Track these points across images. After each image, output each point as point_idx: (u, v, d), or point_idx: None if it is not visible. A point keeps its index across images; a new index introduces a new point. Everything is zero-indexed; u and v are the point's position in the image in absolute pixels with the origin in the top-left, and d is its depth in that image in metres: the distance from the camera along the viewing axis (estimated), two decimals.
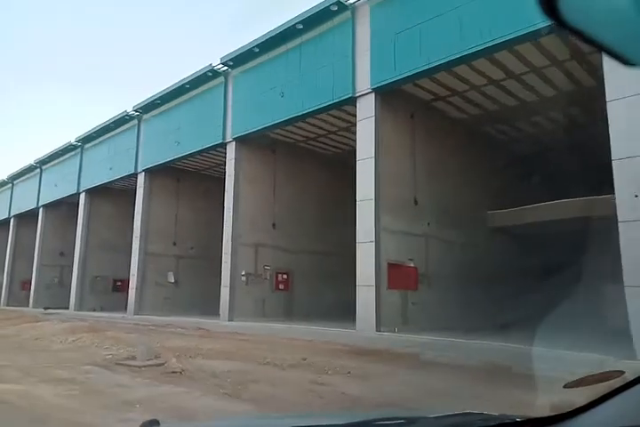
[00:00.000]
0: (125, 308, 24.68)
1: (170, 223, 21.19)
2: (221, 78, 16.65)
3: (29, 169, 30.72)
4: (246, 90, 15.82)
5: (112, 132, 22.64)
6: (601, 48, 0.85)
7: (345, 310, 16.52)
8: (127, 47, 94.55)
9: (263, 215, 16.57)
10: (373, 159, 11.66)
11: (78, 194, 25.24)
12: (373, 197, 11.50)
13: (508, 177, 15.43)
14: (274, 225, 16.83)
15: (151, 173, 20.63)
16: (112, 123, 22.07)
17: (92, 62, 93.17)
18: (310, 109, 13.73)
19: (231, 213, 15.73)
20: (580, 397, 1.30)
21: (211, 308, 20.38)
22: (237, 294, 15.36)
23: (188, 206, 21.70)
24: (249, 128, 15.63)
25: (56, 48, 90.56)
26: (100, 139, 23.59)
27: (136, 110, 20.60)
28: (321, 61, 13.21)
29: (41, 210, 29.38)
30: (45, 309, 26.17)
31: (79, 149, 25.46)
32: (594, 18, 0.82)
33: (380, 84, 11.78)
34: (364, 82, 12.07)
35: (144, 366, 6.33)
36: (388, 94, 12.17)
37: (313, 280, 17.24)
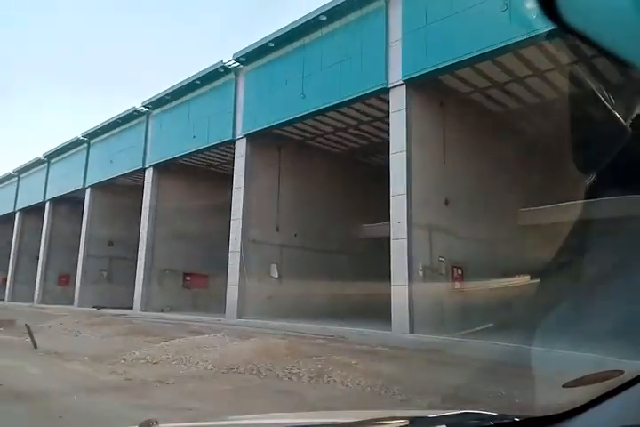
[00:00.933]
0: (197, 308, 20.54)
1: (271, 204, 16.89)
2: (381, 1, 12.34)
3: (74, 144, 26.43)
4: (429, 9, 11.46)
5: (194, 93, 18.33)
6: (601, 50, 0.83)
7: (535, 323, 12.24)
8: (123, 47, 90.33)
9: (435, 188, 12.26)
10: None
11: (143, 170, 20.97)
12: None
13: None
14: (446, 202, 12.51)
15: (252, 139, 16.32)
16: (197, 79, 17.75)
17: (85, 62, 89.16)
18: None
19: (404, 185, 11.41)
20: (579, 396, 1.22)
21: (324, 311, 16.19)
22: (415, 296, 11.04)
23: (289, 183, 17.40)
24: (430, 66, 11.31)
25: (51, 49, 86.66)
26: (176, 102, 19.28)
27: (237, 60, 16.27)
28: None
29: (88, 192, 25.11)
30: (98, 308, 21.96)
31: (144, 117, 21.16)
32: (594, 20, 0.81)
33: None
34: None
35: None
36: None
37: (486, 278, 12.91)
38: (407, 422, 1.45)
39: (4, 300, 32.55)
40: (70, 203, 28.77)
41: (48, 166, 29.75)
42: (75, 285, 28.44)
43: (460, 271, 12.59)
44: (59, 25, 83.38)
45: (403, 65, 11.73)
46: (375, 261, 19.61)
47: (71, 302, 26.69)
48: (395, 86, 11.91)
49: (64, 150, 27.63)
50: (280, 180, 17.18)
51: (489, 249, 13.24)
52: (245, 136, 16.16)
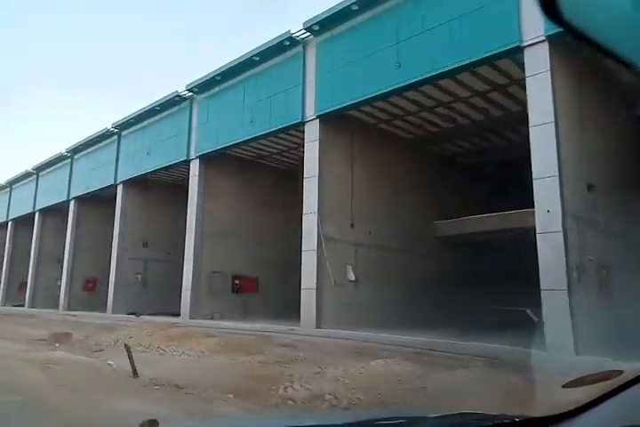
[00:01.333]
0: (248, 314, 18.38)
1: (345, 196, 14.72)
2: None
3: (102, 137, 24.32)
4: None
5: (251, 72, 16.19)
6: (601, 49, 0.83)
7: None
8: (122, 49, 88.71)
9: (578, 169, 10.06)
10: None
11: (187, 162, 18.84)
12: None
13: None
14: (589, 187, 10.29)
15: (325, 121, 14.18)
16: (255, 55, 15.61)
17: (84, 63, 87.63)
18: None
19: (555, 163, 9.22)
20: (579, 396, 1.21)
21: (410, 320, 13.97)
22: (575, 305, 8.80)
23: (361, 173, 15.23)
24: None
25: (54, 50, 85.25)
26: (227, 84, 17.16)
27: (308, 29, 14.13)
28: None
29: (120, 188, 22.97)
30: (137, 315, 19.82)
31: (187, 103, 19.04)
32: (594, 19, 0.80)
33: None
34: None
35: None
36: None
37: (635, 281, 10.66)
38: (407, 422, 1.45)
39: (23, 306, 30.50)
40: (96, 201, 26.73)
41: (71, 162, 27.69)
42: (100, 290, 26.47)
43: (604, 273, 10.35)
44: (55, 25, 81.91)
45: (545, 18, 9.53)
46: (457, 260, 17.50)
47: (97, 308, 24.62)
48: (534, 44, 9.72)
49: (90, 144, 25.56)
50: (352, 169, 15.02)
51: (631, 246, 11.04)
52: (318, 117, 14.00)
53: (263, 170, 20.26)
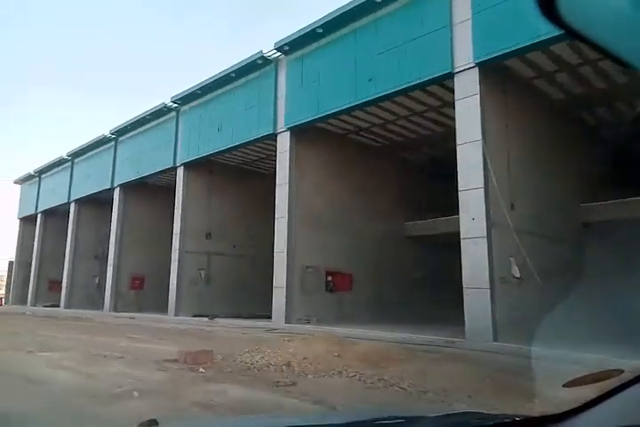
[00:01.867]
0: (343, 317, 15.24)
1: (502, 168, 11.44)
2: None
3: (156, 114, 21.21)
4: None
5: (364, 20, 12.97)
6: (600, 50, 0.82)
7: None
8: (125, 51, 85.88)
9: None
10: None
11: (274, 135, 15.69)
12: None
13: None
14: None
15: (485, 71, 10.95)
16: None
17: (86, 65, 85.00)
18: None
19: None
20: (579, 396, 1.10)
21: (615, 332, 10.74)
22: None
23: (515, 140, 11.99)
24: None
25: (54, 50, 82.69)
26: (334, 35, 13.97)
27: None
28: None
29: (181, 172, 19.91)
30: (211, 318, 16.76)
31: (272, 66, 15.88)
32: (593, 20, 0.79)
33: None
34: None
35: None
36: None
37: None
38: (407, 422, 1.41)
39: (56, 306, 27.66)
40: (144, 188, 23.80)
41: (115, 145, 24.70)
42: (147, 288, 23.65)
43: None
44: (55, 25, 79.31)
45: None
46: (609, 251, 14.30)
47: (144, 309, 21.85)
48: None
49: (140, 124, 22.49)
50: (509, 136, 11.79)
51: None
52: (478, 65, 10.79)
53: (357, 147, 17.14)
